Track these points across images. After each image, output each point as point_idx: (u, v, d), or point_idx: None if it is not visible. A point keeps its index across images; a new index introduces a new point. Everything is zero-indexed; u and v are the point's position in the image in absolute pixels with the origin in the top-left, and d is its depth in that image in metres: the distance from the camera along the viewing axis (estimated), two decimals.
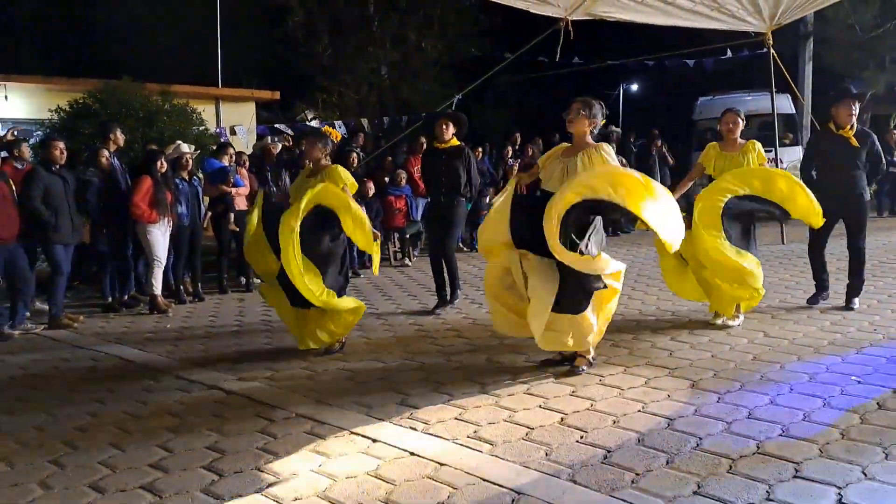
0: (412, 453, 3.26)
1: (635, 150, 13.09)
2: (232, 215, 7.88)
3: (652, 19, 8.07)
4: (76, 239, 6.51)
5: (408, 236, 9.95)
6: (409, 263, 9.65)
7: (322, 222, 4.92)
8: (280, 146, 9.91)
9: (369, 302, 6.88)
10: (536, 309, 4.11)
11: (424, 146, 9.77)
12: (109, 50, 15.18)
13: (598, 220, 4.16)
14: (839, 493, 2.73)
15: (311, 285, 4.71)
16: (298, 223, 4.65)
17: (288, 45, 15.86)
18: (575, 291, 4.17)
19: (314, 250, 4.86)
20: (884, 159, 6.14)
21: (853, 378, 4.05)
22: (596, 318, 4.30)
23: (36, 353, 5.49)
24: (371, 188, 9.29)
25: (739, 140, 5.45)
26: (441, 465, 3.13)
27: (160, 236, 6.88)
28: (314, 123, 15.95)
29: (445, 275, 6.54)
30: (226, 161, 8.15)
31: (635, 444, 3.26)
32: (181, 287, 7.42)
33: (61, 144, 6.44)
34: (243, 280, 8.09)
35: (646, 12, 7.84)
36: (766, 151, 5.62)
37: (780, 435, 3.29)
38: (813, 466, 2.96)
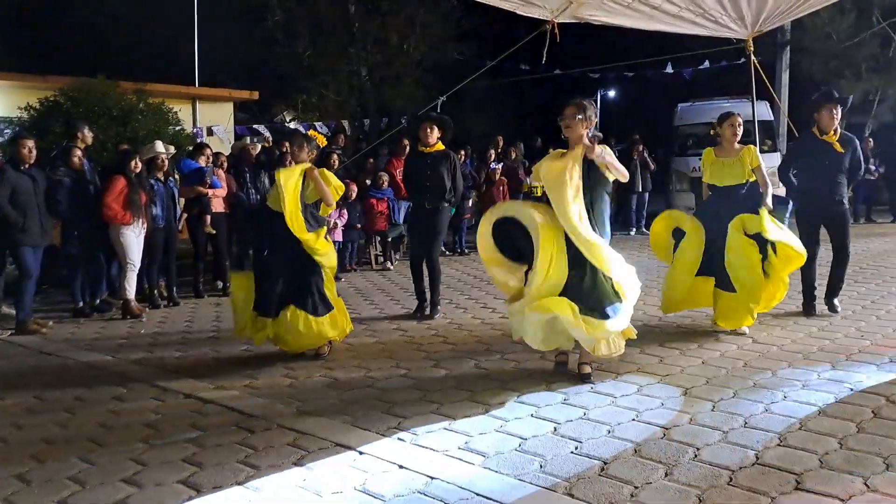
0: (401, 466, 3.12)
1: (616, 156, 13.06)
2: (208, 217, 7.67)
3: (638, 24, 8.01)
4: (46, 241, 6.28)
5: (390, 239, 9.81)
6: (391, 267, 9.51)
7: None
8: (259, 147, 9.71)
9: (351, 307, 6.72)
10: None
11: (407, 149, 9.66)
12: (83, 47, 14.82)
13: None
14: None
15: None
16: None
17: (267, 44, 15.63)
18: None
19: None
20: (863, 166, 6.14)
21: (846, 385, 3.99)
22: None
23: (1, 360, 5.26)
24: (354, 190, 9.14)
25: (736, 145, 5.37)
26: (432, 478, 2.99)
27: (134, 238, 6.68)
28: (293, 125, 15.75)
29: (426, 282, 6.40)
30: (202, 162, 7.93)
31: (632, 455, 3.16)
32: (155, 291, 7.21)
33: (31, 143, 6.20)
34: (220, 284, 7.89)
35: (632, 16, 7.78)
36: None
37: (778, 445, 3.21)
38: (814, 478, 2.88)
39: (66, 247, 6.84)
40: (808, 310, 5.86)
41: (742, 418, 3.54)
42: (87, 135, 7.05)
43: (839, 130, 5.85)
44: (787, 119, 13.39)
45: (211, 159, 8.08)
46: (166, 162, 7.35)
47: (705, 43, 10.60)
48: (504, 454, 3.22)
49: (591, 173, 4.22)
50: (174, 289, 7.41)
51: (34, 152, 6.18)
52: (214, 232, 7.73)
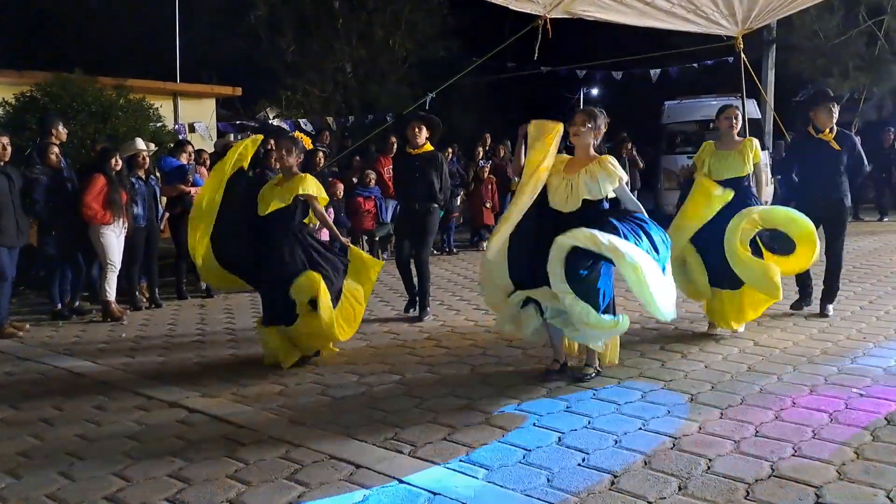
0: (401, 481, 2.96)
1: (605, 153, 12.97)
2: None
3: (630, 20, 7.92)
4: (22, 241, 6.02)
5: (377, 239, 9.63)
6: None
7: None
8: None
9: None
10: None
11: (395, 147, 9.48)
12: (61, 41, 14.46)
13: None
14: None
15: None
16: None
17: (250, 39, 15.35)
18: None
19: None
20: (864, 163, 6.07)
21: (854, 390, 3.89)
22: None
23: None
24: (340, 189, 8.94)
25: (737, 137, 5.26)
26: (434, 494, 2.84)
27: (114, 239, 6.46)
28: (276, 122, 15.49)
29: (415, 280, 6.25)
30: (184, 159, 7.70)
31: (642, 468, 3.02)
32: (136, 293, 6.97)
33: (5, 139, 5.93)
34: (203, 285, 7.66)
35: (624, 12, 7.68)
36: None
37: (793, 455, 3.09)
38: (834, 491, 2.76)
39: (43, 247, 6.59)
40: (798, 307, 5.83)
41: (753, 426, 3.42)
42: (62, 131, 6.78)
43: (835, 128, 5.78)
44: (774, 115, 13.42)
45: (193, 157, 7.86)
46: (147, 159, 7.12)
47: (693, 41, 10.56)
48: (508, 467, 3.07)
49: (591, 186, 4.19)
50: (156, 290, 7.18)
51: (9, 149, 5.92)
52: None
